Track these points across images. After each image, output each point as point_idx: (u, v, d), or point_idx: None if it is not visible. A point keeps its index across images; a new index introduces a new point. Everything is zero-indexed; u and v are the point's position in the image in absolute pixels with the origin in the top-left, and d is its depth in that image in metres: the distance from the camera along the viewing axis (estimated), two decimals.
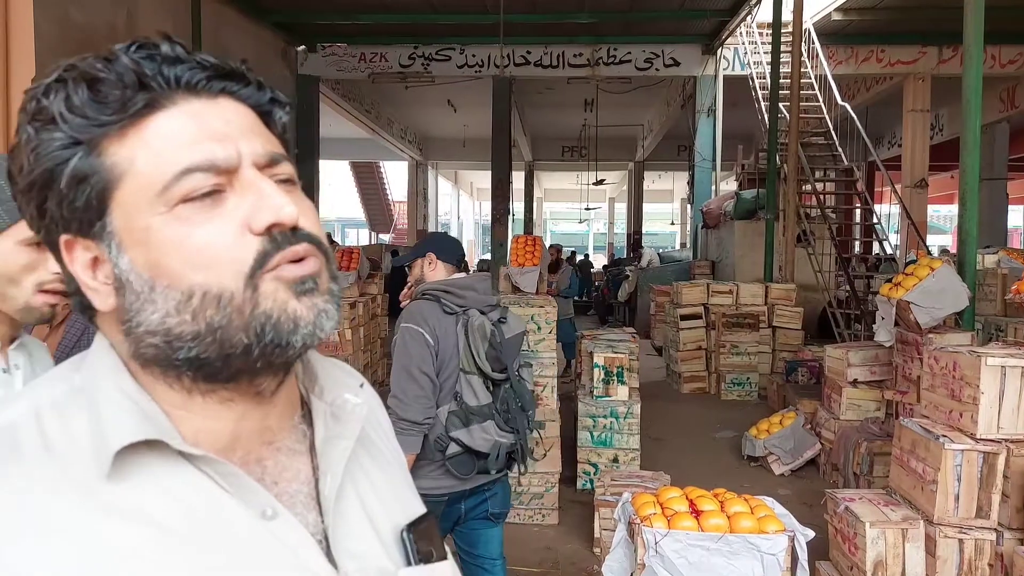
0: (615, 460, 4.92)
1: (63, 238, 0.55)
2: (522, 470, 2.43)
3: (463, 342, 2.25)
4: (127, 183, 0.52)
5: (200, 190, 0.52)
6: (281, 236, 0.53)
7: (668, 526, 2.44)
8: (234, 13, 10.46)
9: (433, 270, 2.42)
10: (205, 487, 0.54)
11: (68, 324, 2.05)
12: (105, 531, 0.50)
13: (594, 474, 4.81)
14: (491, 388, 2.31)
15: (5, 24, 6.71)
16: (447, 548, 0.68)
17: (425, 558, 0.64)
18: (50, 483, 0.50)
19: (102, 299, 0.55)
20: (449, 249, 2.46)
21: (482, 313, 2.32)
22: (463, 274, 2.45)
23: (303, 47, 12.67)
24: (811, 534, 2.53)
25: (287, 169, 0.57)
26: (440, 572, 0.64)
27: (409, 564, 0.63)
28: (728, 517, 2.47)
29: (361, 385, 0.69)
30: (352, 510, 0.61)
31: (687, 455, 5.70)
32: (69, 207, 0.53)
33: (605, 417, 4.92)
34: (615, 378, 4.99)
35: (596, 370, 5.01)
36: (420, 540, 0.64)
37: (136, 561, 0.50)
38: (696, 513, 2.51)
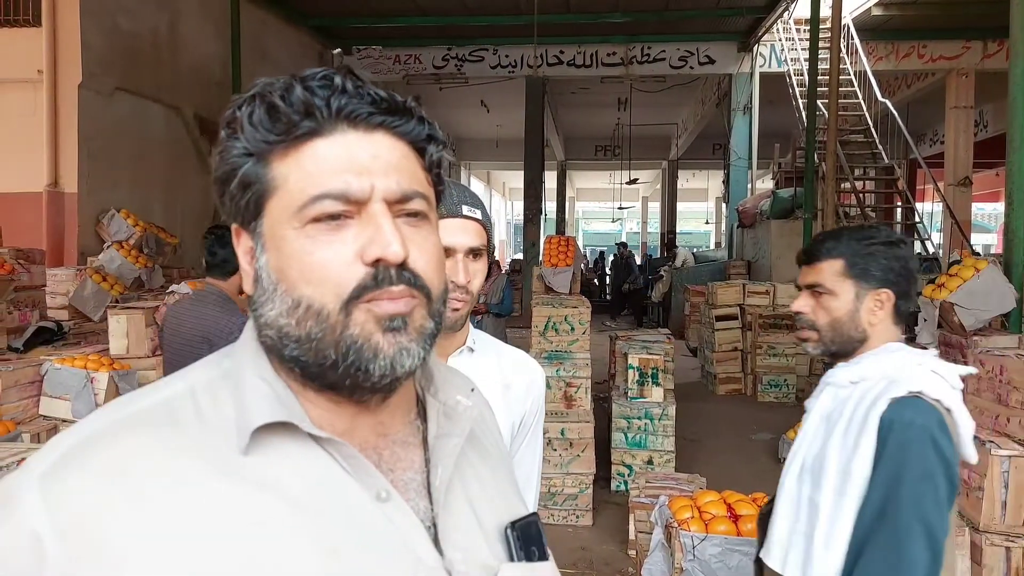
0: (650, 462, 4.89)
1: (234, 225, 0.65)
2: None
3: None
4: (278, 195, 0.60)
5: (328, 214, 0.58)
6: (383, 273, 0.58)
7: (705, 530, 2.42)
8: (273, 18, 10.64)
9: None
10: (328, 466, 0.59)
11: None
12: (241, 496, 0.56)
13: (628, 475, 4.80)
14: None
15: (53, 33, 6.93)
16: (549, 551, 0.69)
17: (528, 556, 0.66)
18: (199, 448, 0.57)
19: (249, 283, 0.64)
20: None
21: None
22: None
23: (339, 50, 12.83)
24: None
25: (418, 205, 0.62)
26: (541, 572, 0.66)
27: (512, 560, 0.65)
28: None
29: (472, 389, 0.74)
30: (459, 504, 0.65)
31: (723, 457, 5.64)
32: (235, 205, 0.62)
33: (639, 418, 4.90)
34: (650, 379, 4.96)
35: (631, 371, 4.99)
36: (524, 538, 0.67)
37: (265, 527, 0.55)
38: (734, 517, 2.49)
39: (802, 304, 1.51)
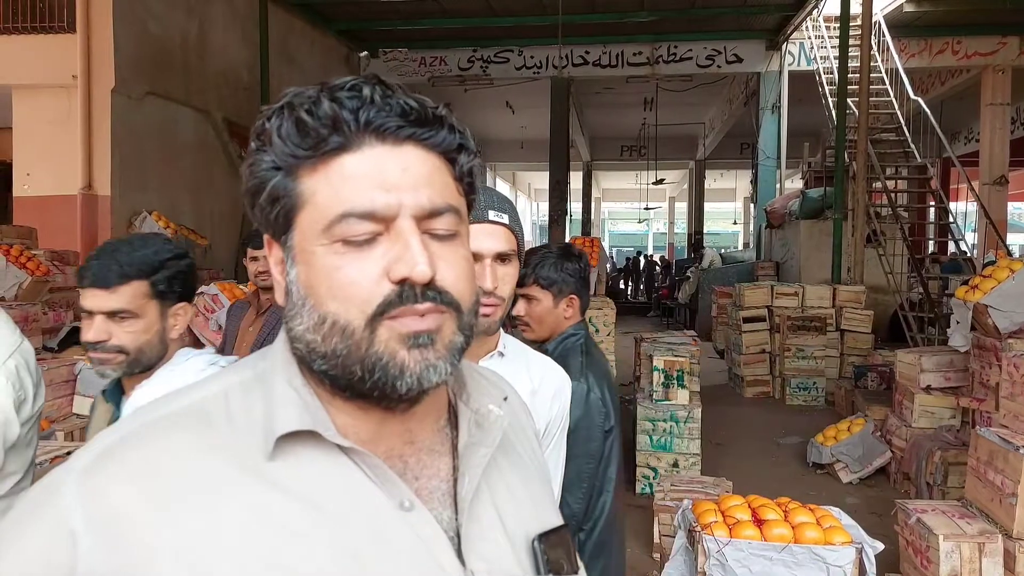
0: (675, 465, 4.85)
1: (266, 235, 0.64)
2: None
3: None
4: (307, 210, 0.59)
5: (356, 234, 0.58)
6: (408, 291, 0.57)
7: (729, 535, 2.39)
8: (300, 22, 10.75)
9: None
10: (353, 475, 0.60)
11: (268, 315, 2.74)
12: (266, 499, 0.57)
13: (653, 478, 4.76)
14: None
15: (87, 39, 7.07)
16: (580, 563, 0.68)
17: (555, 569, 0.65)
18: (228, 451, 0.58)
19: (280, 294, 0.64)
20: None
21: None
22: None
23: (365, 53, 12.93)
24: (880, 546, 2.45)
25: (448, 220, 0.61)
26: None
27: (538, 573, 0.64)
28: (792, 527, 2.41)
29: (505, 398, 0.72)
30: (486, 514, 0.64)
31: (750, 461, 5.57)
32: (266, 217, 0.62)
33: (665, 421, 4.86)
34: (675, 382, 4.92)
35: (656, 373, 4.95)
36: (552, 550, 0.66)
37: (288, 531, 0.56)
38: (759, 522, 2.46)
39: None
